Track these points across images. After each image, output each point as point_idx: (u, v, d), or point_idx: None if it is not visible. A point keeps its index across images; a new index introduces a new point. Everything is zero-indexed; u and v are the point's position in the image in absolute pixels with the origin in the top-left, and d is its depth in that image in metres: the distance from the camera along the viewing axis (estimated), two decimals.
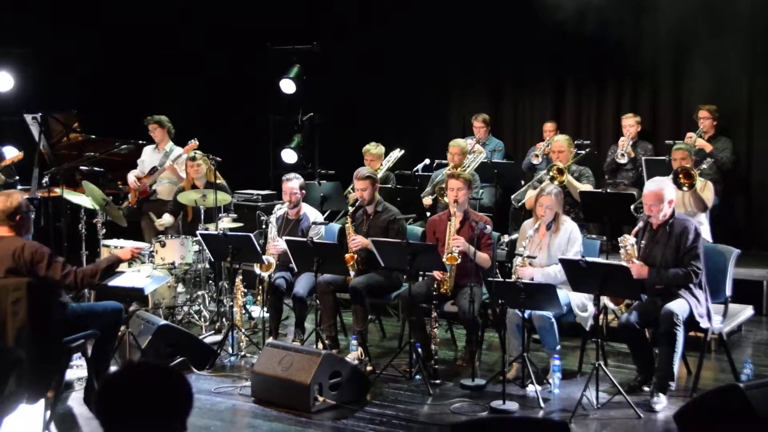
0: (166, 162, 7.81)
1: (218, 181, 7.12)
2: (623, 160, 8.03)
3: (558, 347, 5.47)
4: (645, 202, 5.27)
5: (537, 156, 8.28)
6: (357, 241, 6.10)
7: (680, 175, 6.35)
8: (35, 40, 9.05)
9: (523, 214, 7.50)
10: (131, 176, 7.98)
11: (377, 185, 6.37)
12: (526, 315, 5.19)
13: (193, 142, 7.63)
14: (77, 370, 5.53)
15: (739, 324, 6.50)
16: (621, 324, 5.28)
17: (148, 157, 8.03)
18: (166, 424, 2.14)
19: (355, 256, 6.09)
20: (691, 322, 5.13)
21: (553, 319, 5.39)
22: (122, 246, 7.06)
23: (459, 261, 5.67)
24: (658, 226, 5.27)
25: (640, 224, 5.37)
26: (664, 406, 5.00)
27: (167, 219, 7.36)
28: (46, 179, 7.08)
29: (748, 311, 6.59)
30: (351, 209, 6.32)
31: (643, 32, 8.64)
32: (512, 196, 7.62)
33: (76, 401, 5.23)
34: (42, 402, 4.64)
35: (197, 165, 7.28)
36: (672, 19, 8.37)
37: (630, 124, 8.20)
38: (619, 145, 8.08)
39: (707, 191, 6.58)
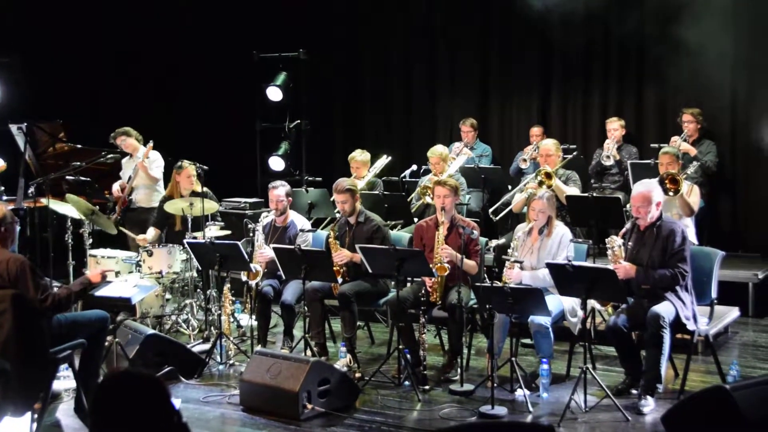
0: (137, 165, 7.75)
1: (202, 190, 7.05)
2: (608, 162, 8.07)
3: (552, 355, 5.46)
4: (633, 203, 5.32)
5: (525, 160, 8.32)
6: (341, 255, 6.11)
7: (666, 181, 6.38)
8: (21, 49, 9.02)
9: (510, 220, 7.52)
10: (116, 186, 7.95)
11: (357, 196, 6.35)
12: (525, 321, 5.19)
13: (150, 144, 7.69)
14: (64, 381, 5.49)
15: (726, 326, 6.54)
16: (608, 327, 5.31)
17: (125, 167, 8.01)
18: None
19: (342, 268, 6.09)
20: (677, 325, 5.15)
21: (550, 327, 5.36)
22: (110, 256, 7.08)
23: (448, 271, 5.67)
24: (645, 228, 5.30)
25: (628, 225, 5.40)
26: (651, 408, 5.02)
27: (151, 234, 7.24)
28: (32, 189, 7.04)
29: (734, 313, 6.63)
30: (339, 216, 6.31)
31: (628, 36, 8.68)
32: (490, 211, 7.58)
33: (63, 412, 5.20)
34: (29, 414, 4.61)
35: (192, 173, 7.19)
36: (656, 22, 8.43)
37: (614, 127, 8.23)
38: (604, 147, 8.12)
39: (693, 195, 6.60)
